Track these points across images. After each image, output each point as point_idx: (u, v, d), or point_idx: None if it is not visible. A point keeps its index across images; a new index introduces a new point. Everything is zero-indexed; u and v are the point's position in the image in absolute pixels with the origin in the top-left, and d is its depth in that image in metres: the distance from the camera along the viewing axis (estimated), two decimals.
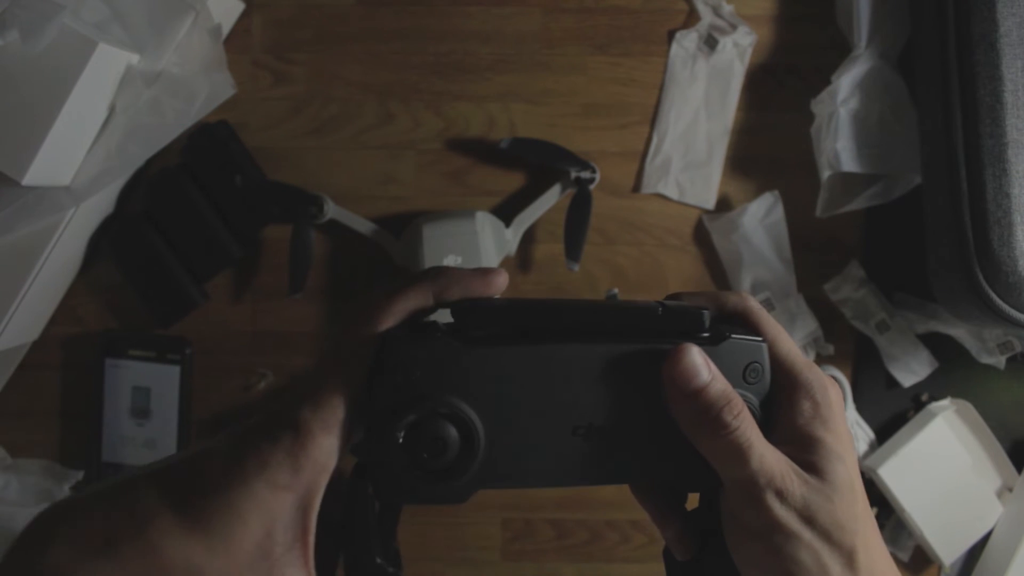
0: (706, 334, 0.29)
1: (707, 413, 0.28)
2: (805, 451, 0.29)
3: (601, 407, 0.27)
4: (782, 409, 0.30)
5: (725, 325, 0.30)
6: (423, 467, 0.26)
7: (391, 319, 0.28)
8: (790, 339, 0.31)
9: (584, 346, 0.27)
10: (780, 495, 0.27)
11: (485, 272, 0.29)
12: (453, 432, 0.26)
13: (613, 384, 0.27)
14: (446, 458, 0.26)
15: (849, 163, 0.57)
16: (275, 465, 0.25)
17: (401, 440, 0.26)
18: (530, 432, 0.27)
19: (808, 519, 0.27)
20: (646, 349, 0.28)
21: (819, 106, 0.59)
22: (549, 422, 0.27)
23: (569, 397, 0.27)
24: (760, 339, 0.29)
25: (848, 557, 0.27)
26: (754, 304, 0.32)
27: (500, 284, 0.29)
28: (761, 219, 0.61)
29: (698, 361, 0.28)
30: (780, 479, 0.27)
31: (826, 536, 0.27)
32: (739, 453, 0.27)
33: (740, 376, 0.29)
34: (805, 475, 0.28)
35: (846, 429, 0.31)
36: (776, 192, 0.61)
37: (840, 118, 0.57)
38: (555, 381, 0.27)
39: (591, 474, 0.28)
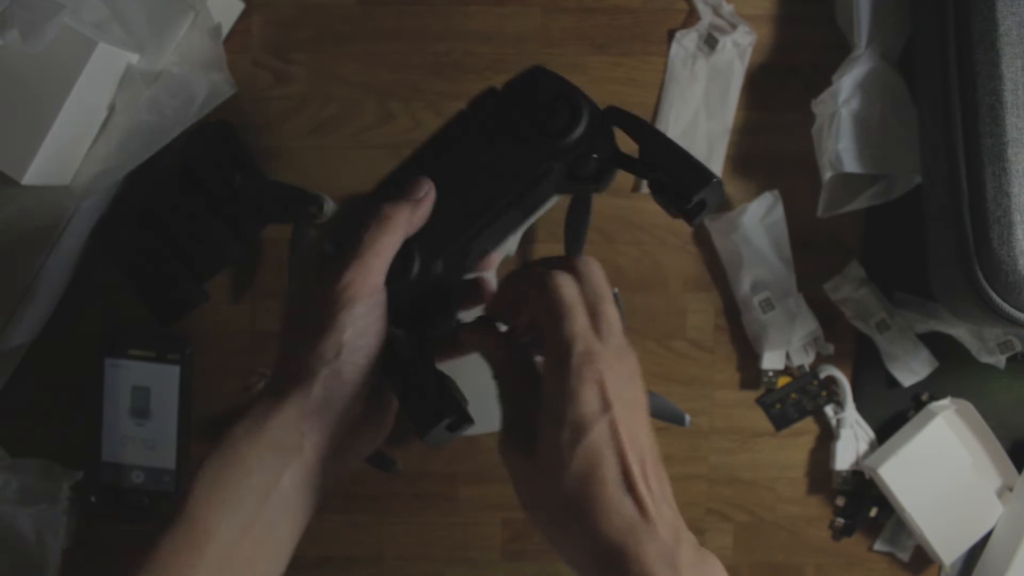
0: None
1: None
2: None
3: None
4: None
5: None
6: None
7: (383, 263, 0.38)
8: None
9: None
10: None
11: (415, 201, 0.39)
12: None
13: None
14: None
15: (851, 164, 0.57)
16: None
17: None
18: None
19: None
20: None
21: (820, 107, 0.59)
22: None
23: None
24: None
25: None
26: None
27: (427, 206, 0.39)
28: (761, 219, 0.61)
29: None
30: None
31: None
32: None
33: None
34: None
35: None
36: (776, 192, 0.61)
37: (842, 119, 0.57)
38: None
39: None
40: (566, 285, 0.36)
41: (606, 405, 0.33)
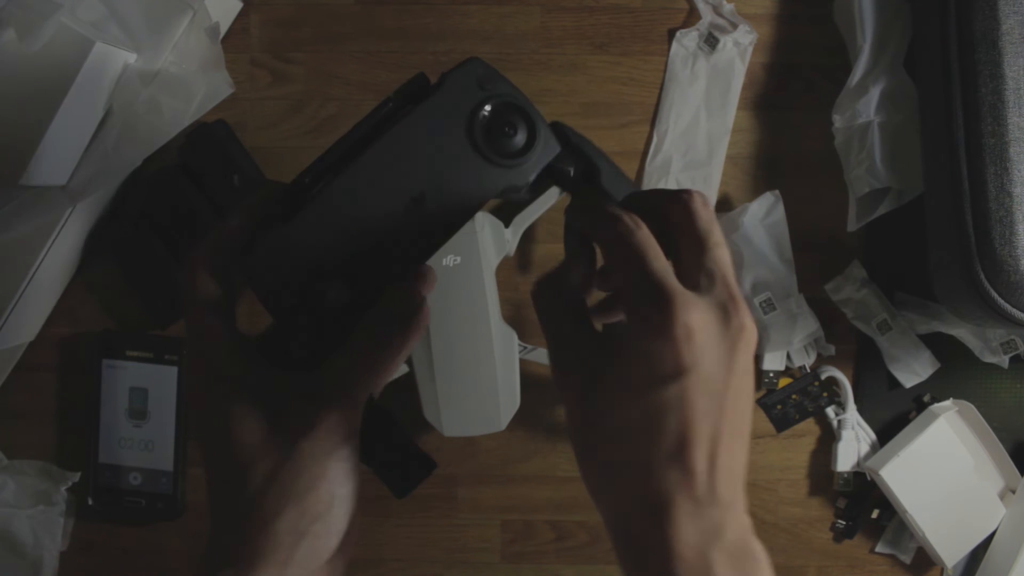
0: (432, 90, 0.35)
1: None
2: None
3: (413, 178, 0.33)
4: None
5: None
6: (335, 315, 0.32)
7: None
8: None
9: (371, 150, 0.33)
10: None
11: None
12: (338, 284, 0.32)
13: (404, 158, 0.33)
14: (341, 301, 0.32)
15: (887, 178, 0.57)
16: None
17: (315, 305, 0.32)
18: (379, 243, 0.32)
19: None
20: (403, 123, 0.34)
21: (843, 120, 0.59)
22: (386, 220, 0.32)
23: (388, 191, 0.33)
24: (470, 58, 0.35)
25: None
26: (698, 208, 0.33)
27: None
28: (762, 219, 0.61)
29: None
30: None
31: None
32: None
33: (478, 88, 0.35)
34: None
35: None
36: (777, 192, 0.61)
37: (875, 133, 0.57)
38: (371, 189, 0.32)
39: (440, 230, 0.33)
40: (632, 229, 0.32)
41: (681, 368, 0.29)
